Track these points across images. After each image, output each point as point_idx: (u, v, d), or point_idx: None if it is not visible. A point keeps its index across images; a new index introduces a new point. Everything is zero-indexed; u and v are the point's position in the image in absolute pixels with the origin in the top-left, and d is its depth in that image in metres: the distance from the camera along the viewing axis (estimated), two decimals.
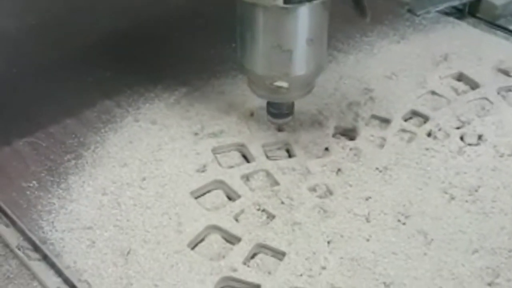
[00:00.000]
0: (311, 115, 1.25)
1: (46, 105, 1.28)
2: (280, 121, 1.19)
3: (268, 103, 1.17)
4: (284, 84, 1.08)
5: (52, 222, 1.04)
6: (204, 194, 1.10)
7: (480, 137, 1.20)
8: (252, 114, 1.23)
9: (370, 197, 1.08)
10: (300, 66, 1.07)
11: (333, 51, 1.44)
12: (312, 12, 1.03)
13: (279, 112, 1.17)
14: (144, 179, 1.11)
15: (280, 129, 1.21)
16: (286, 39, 1.04)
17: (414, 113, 1.27)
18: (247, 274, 0.96)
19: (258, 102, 1.23)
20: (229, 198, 1.09)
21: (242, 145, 1.19)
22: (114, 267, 0.97)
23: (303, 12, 1.02)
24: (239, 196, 1.09)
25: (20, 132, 1.21)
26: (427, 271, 0.96)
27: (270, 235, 1.01)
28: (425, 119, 1.25)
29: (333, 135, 1.21)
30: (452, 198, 1.08)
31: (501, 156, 1.16)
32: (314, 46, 1.07)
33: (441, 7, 1.59)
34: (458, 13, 1.60)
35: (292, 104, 1.17)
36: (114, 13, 1.55)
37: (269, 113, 1.18)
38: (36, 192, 1.09)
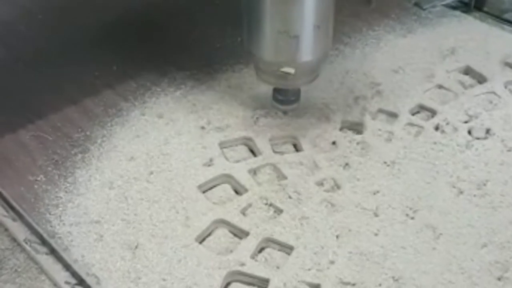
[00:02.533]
0: (318, 109, 1.24)
1: (53, 99, 1.28)
2: (287, 107, 1.19)
3: (275, 90, 1.17)
4: (290, 70, 1.08)
5: (60, 216, 1.04)
6: (211, 188, 1.10)
7: (488, 131, 1.20)
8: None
9: (378, 191, 1.08)
10: (307, 52, 1.08)
11: (339, 45, 1.43)
12: None
13: (285, 98, 1.17)
14: (151, 173, 1.11)
15: (285, 112, 1.21)
16: (293, 25, 1.04)
17: (422, 107, 1.26)
18: (255, 268, 0.96)
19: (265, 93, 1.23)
20: (236, 192, 1.09)
21: (249, 139, 1.18)
22: (122, 261, 0.97)
23: None
24: (246, 190, 1.08)
25: (27, 126, 1.21)
26: (436, 266, 0.96)
27: (277, 229, 1.01)
28: (433, 113, 1.25)
29: (340, 129, 1.21)
30: (461, 192, 1.08)
31: (509, 150, 1.16)
32: (321, 33, 1.07)
33: (448, 0, 1.58)
34: (464, 7, 1.59)
35: (298, 91, 1.17)
36: (120, 5, 1.55)
37: (276, 99, 1.18)
38: (43, 186, 1.09)
